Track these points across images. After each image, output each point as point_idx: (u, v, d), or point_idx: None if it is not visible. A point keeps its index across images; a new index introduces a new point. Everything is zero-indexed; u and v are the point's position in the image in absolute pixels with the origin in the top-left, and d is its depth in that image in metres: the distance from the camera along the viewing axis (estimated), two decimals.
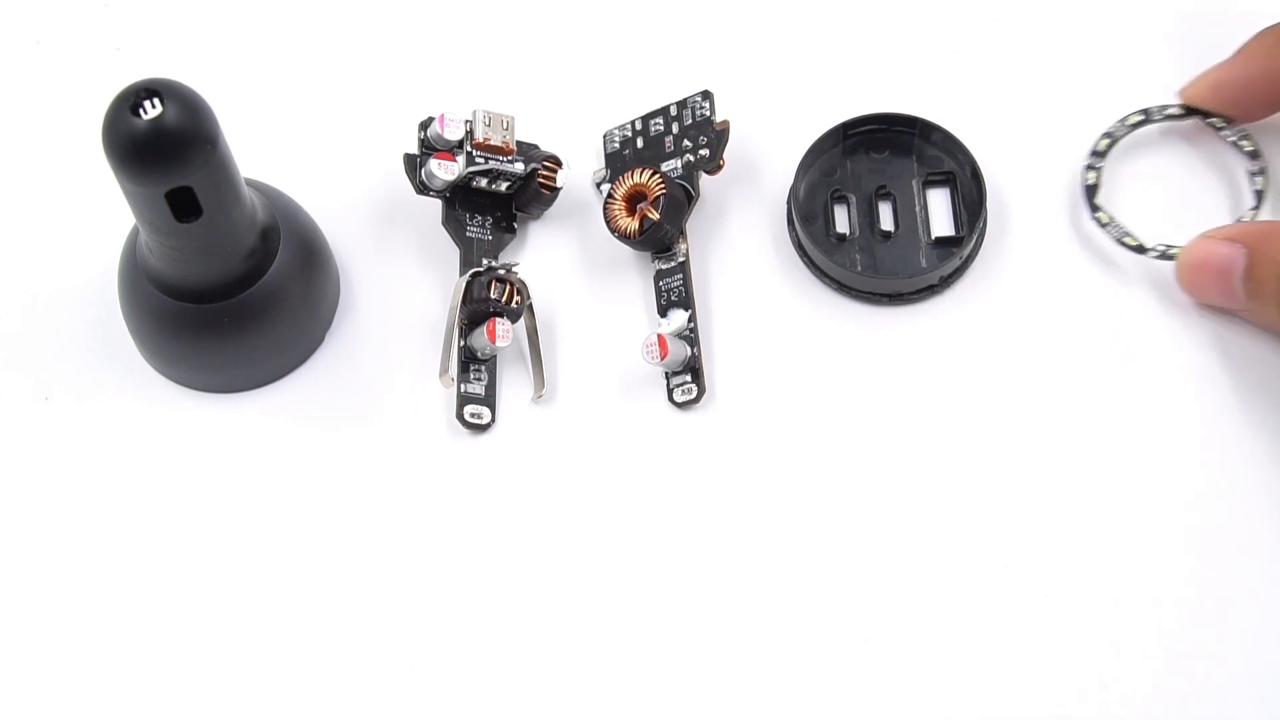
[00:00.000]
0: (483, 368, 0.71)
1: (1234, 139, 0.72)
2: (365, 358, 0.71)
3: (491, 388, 0.71)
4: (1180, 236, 0.71)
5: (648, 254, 0.72)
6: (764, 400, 0.70)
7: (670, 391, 0.70)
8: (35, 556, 0.69)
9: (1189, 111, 0.72)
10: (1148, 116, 0.73)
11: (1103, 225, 0.71)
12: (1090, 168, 0.72)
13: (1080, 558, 0.67)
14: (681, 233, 0.71)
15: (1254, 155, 0.71)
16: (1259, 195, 0.71)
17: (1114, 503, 0.68)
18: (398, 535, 0.68)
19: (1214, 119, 0.72)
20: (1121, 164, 0.73)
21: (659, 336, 0.69)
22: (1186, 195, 0.72)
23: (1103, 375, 0.69)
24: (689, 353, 0.70)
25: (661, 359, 0.68)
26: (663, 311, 0.71)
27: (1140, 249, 0.70)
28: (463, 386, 0.70)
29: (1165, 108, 0.73)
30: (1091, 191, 0.71)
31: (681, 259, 0.71)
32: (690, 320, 0.70)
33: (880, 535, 0.68)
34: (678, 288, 0.71)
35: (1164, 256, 0.70)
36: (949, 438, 0.69)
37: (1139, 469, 0.68)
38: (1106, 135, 0.72)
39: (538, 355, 0.70)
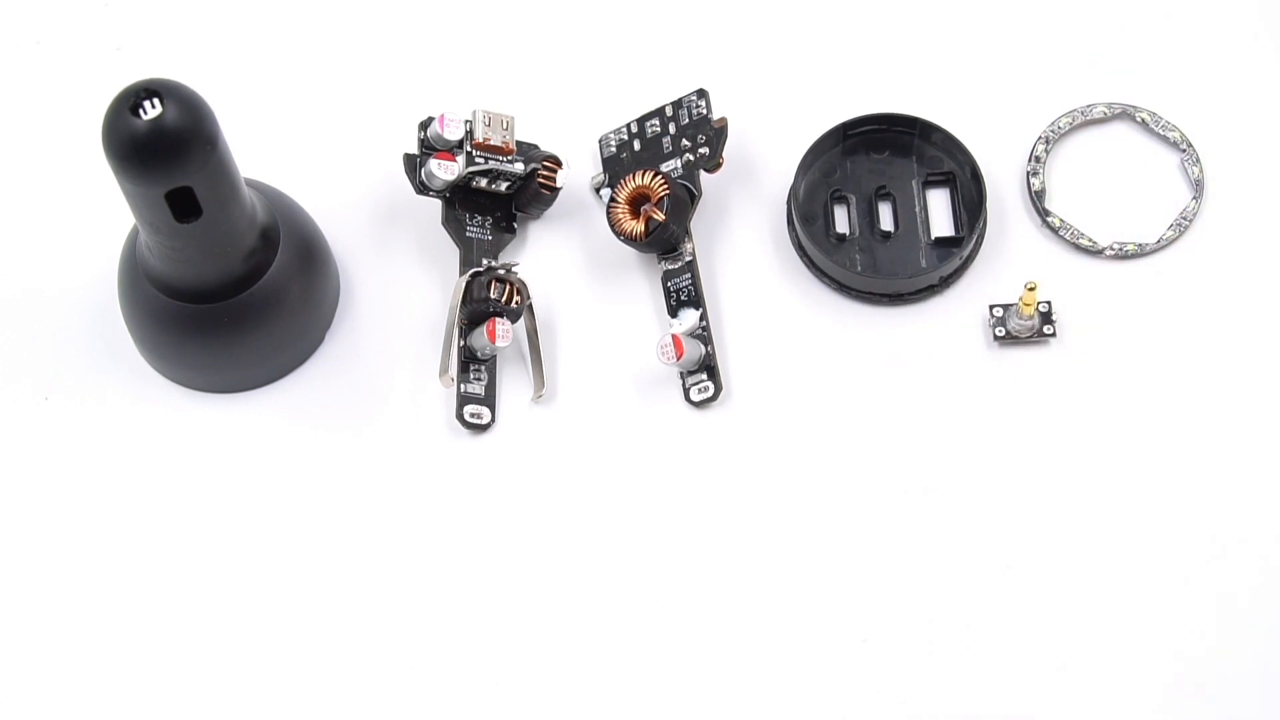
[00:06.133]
0: (483, 368, 0.71)
1: (1161, 132, 0.72)
2: (365, 358, 0.71)
3: (491, 388, 0.71)
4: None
5: (650, 254, 0.72)
6: (771, 400, 0.70)
7: (686, 390, 0.70)
8: (35, 555, 0.69)
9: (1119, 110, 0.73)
10: (1081, 117, 0.73)
11: (1055, 230, 0.71)
12: (1033, 173, 0.72)
13: (1084, 559, 0.67)
14: (687, 232, 0.71)
15: (1182, 145, 0.72)
16: (1197, 184, 0.71)
17: (1118, 502, 0.68)
18: (397, 535, 0.68)
19: (1142, 113, 0.72)
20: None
21: (673, 337, 0.69)
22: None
23: (1101, 373, 0.70)
24: (703, 351, 0.70)
25: (677, 359, 0.68)
26: (673, 312, 0.71)
27: (1096, 250, 0.71)
28: (463, 386, 0.70)
29: (1093, 107, 0.73)
30: (1040, 196, 0.72)
31: (688, 258, 0.71)
32: (702, 319, 0.70)
33: (881, 535, 0.68)
34: (687, 287, 0.71)
35: (1120, 256, 0.71)
36: (950, 437, 0.69)
37: (1146, 468, 0.68)
38: (1043, 139, 0.72)
39: (538, 355, 0.70)
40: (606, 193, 0.72)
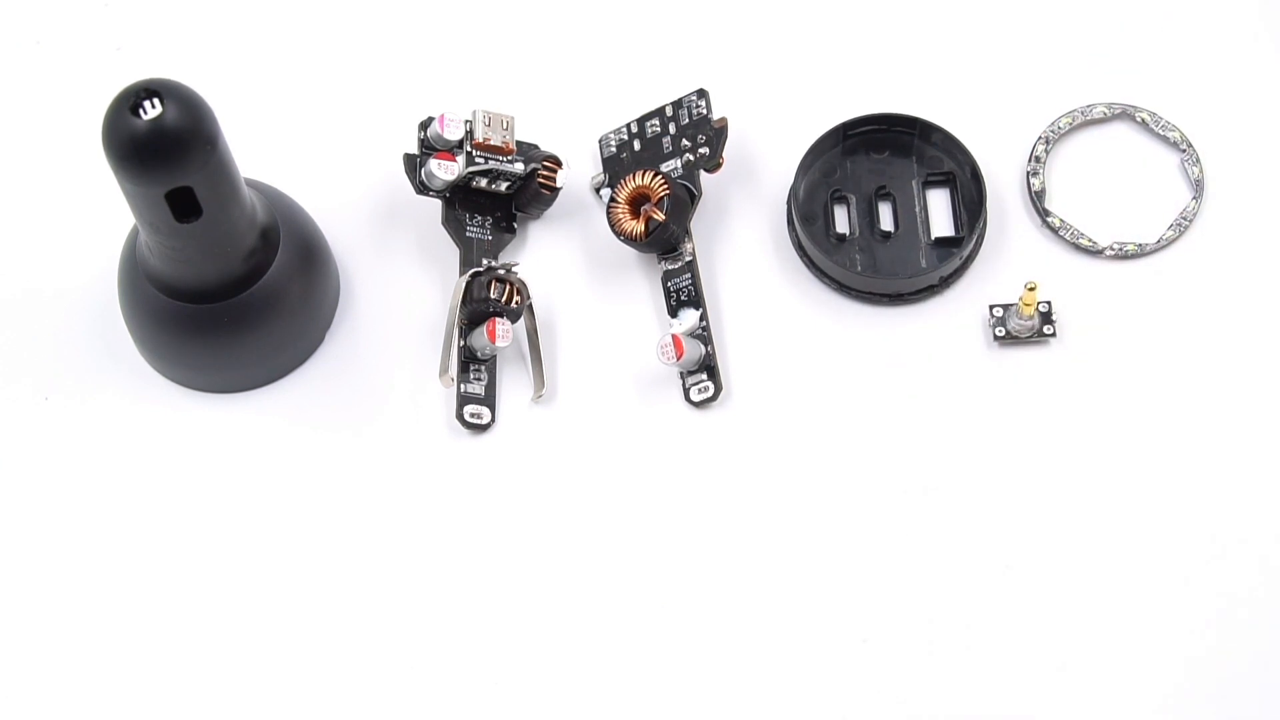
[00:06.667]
0: (483, 368, 0.71)
1: (1161, 132, 0.72)
2: (365, 358, 0.71)
3: (491, 388, 0.71)
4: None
5: (650, 254, 0.72)
6: (771, 400, 0.70)
7: (686, 390, 0.70)
8: (35, 555, 0.68)
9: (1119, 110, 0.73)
10: (1081, 117, 0.73)
11: (1055, 230, 0.71)
12: (1033, 173, 0.72)
13: (1085, 559, 0.67)
14: (687, 232, 0.71)
15: (1182, 145, 0.72)
16: (1197, 185, 0.71)
17: (1118, 502, 0.68)
18: (397, 535, 0.68)
19: (1142, 114, 0.72)
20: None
21: (673, 337, 0.69)
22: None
23: (1101, 373, 0.70)
24: (703, 351, 0.70)
25: (677, 359, 0.68)
26: (673, 312, 0.71)
27: (1096, 250, 0.71)
28: (463, 386, 0.70)
29: (1093, 107, 0.73)
30: (1040, 196, 0.72)
31: (688, 258, 0.71)
32: (702, 319, 0.70)
33: (881, 535, 0.68)
34: (687, 287, 0.71)
35: (1120, 256, 0.71)
36: (950, 437, 0.69)
37: (1146, 468, 0.68)
38: (1043, 139, 0.72)
39: (538, 355, 0.70)
40: (606, 193, 0.72)
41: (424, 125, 0.71)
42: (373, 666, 0.67)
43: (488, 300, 0.69)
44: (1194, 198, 0.72)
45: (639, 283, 0.72)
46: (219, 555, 0.68)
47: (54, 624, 0.68)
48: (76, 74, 0.77)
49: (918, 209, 0.72)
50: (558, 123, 0.74)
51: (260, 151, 0.72)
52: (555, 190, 0.73)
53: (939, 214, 0.72)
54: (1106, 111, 0.73)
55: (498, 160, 0.72)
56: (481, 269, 0.70)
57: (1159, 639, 0.66)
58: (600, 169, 0.74)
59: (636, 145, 0.73)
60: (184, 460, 0.70)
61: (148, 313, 0.69)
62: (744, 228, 0.73)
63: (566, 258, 0.73)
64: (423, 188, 0.71)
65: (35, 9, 0.78)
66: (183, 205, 0.63)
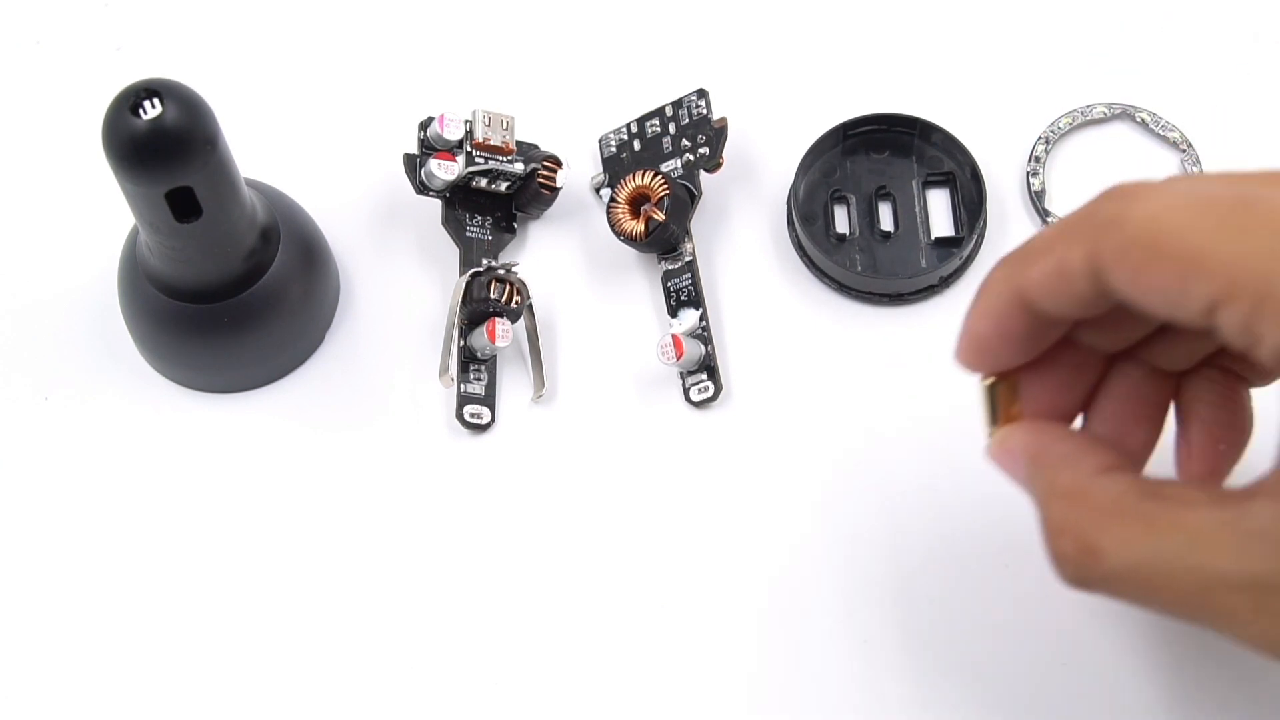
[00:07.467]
0: (483, 368, 0.71)
1: (1161, 132, 0.72)
2: (365, 358, 0.71)
3: (491, 388, 0.71)
4: None
5: (650, 254, 0.72)
6: (771, 400, 0.70)
7: (686, 391, 0.70)
8: (35, 556, 0.69)
9: (1119, 110, 0.73)
10: (1081, 117, 0.73)
11: None
12: (1033, 173, 0.72)
13: None
14: (687, 232, 0.71)
15: (1182, 145, 0.72)
16: None
17: None
18: (398, 535, 0.68)
19: (1142, 114, 0.73)
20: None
21: (673, 336, 0.69)
22: None
23: None
24: (703, 351, 0.70)
25: (677, 359, 0.69)
26: (673, 312, 0.71)
27: None
28: (463, 386, 0.70)
29: (1093, 107, 0.73)
30: (1040, 197, 0.72)
31: (688, 258, 0.71)
32: (702, 319, 0.70)
33: (881, 535, 0.68)
34: (687, 287, 0.71)
35: None
36: (950, 437, 0.69)
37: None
38: (1043, 139, 0.72)
39: (538, 355, 0.70)
40: (606, 193, 0.73)
41: (424, 125, 0.71)
42: (373, 666, 0.67)
43: (488, 300, 0.69)
44: None
45: (639, 283, 0.72)
46: (219, 555, 0.68)
47: (55, 624, 0.68)
48: (76, 74, 0.77)
49: (918, 209, 0.72)
50: (558, 123, 0.75)
51: (260, 151, 0.72)
52: (555, 190, 0.73)
53: (939, 214, 0.72)
54: (1106, 111, 0.73)
55: (498, 160, 0.72)
56: (481, 269, 0.70)
57: (1159, 637, 0.66)
58: (600, 169, 0.74)
59: (636, 145, 0.73)
60: (184, 460, 0.70)
61: (148, 313, 0.69)
62: (744, 228, 0.73)
63: (566, 258, 0.73)
64: (423, 188, 0.71)
65: (35, 9, 0.78)
66: (183, 205, 0.63)
